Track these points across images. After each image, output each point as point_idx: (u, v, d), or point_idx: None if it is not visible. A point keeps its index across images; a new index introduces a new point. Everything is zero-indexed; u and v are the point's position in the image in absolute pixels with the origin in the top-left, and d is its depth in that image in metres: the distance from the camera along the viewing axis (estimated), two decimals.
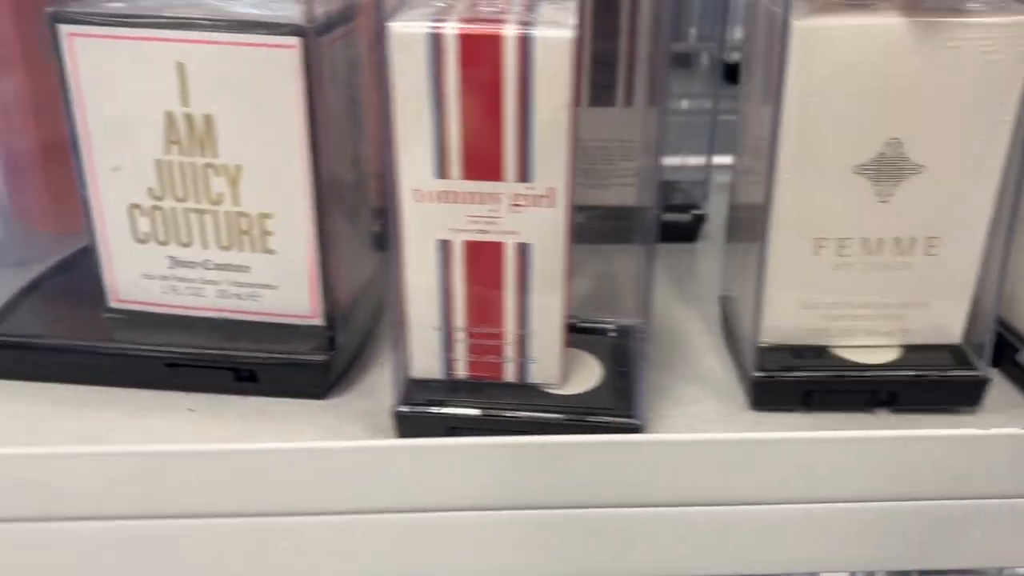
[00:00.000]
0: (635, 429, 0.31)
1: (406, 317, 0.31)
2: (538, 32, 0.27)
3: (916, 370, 0.33)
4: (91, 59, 0.32)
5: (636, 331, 0.35)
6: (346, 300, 0.36)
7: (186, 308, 0.35)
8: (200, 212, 0.33)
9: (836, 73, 0.30)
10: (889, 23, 0.29)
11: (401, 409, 0.32)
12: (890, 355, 0.34)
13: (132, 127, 0.32)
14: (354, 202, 0.37)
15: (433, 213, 0.29)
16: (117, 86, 0.32)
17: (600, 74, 0.46)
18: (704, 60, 0.63)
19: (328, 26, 0.32)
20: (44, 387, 0.35)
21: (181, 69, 0.31)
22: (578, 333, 0.35)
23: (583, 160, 0.48)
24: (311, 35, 0.30)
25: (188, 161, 0.33)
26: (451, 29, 0.27)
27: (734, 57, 0.49)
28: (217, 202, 0.33)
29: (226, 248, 0.34)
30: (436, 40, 0.27)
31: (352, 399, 0.35)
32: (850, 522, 0.33)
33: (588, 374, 0.33)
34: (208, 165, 0.33)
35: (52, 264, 0.41)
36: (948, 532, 0.33)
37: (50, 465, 0.30)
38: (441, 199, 0.29)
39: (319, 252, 0.33)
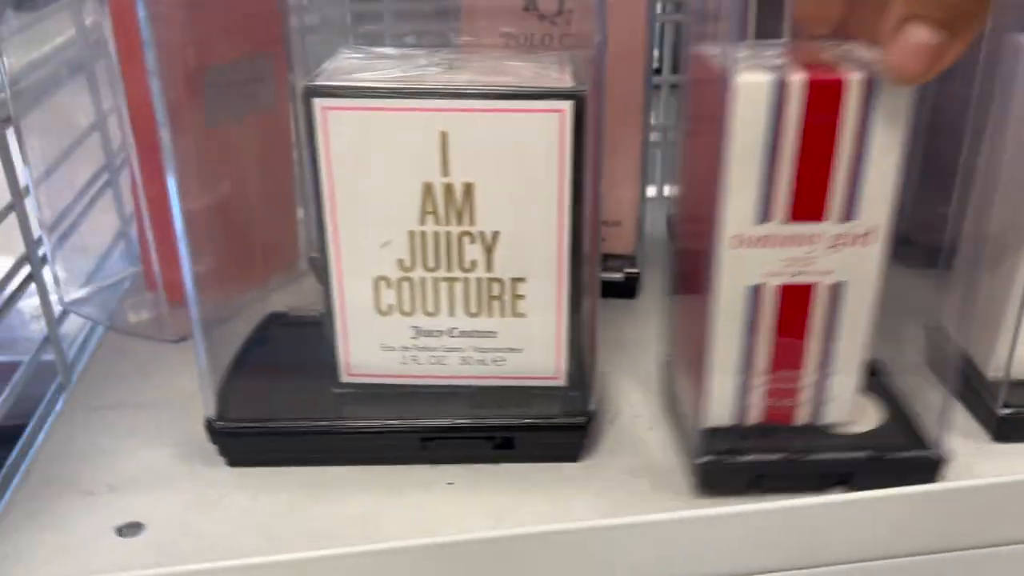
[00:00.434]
0: (935, 463, 0.31)
1: (708, 364, 0.31)
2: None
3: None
4: (346, 132, 0.31)
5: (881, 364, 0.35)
6: (586, 358, 0.35)
7: (426, 378, 0.35)
8: (451, 280, 0.33)
9: None
10: None
11: (704, 460, 0.31)
12: None
13: (386, 200, 0.32)
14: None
15: (750, 259, 0.29)
16: (373, 159, 0.31)
17: None
18: None
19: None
20: (286, 472, 0.34)
21: (444, 139, 0.31)
22: None
23: None
24: (582, 98, 0.30)
25: (443, 231, 0.32)
26: (797, 77, 0.27)
27: None
28: (470, 269, 0.33)
29: (474, 315, 0.33)
30: (781, 88, 0.27)
31: (605, 458, 0.34)
32: None
33: (863, 411, 0.33)
34: (464, 233, 0.32)
35: (245, 340, 0.39)
36: None
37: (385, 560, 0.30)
38: (760, 244, 0.29)
39: (569, 312, 0.33)
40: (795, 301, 0.30)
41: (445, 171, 0.31)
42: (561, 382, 0.34)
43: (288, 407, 0.35)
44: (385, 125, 0.31)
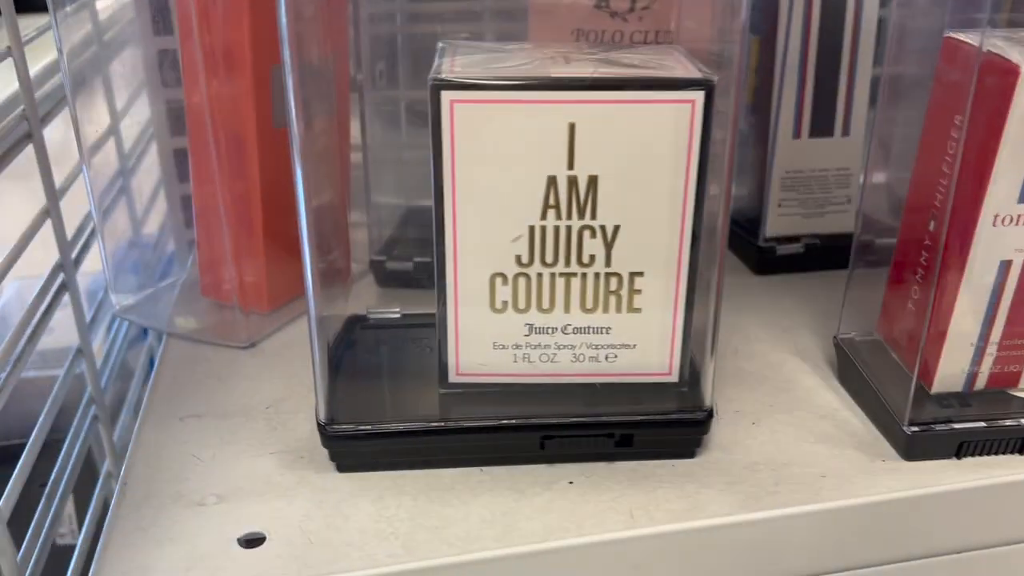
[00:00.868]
0: None
1: (948, 335, 0.33)
2: None
3: None
4: (473, 126, 0.30)
5: None
6: (701, 354, 0.35)
7: (535, 376, 0.34)
8: (568, 276, 0.32)
9: None
10: None
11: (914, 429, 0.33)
12: None
13: (508, 194, 0.31)
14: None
15: (1007, 236, 0.31)
16: (498, 153, 0.31)
17: (820, 106, 0.47)
18: None
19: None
20: (401, 476, 0.33)
21: (571, 131, 0.30)
22: None
23: (802, 190, 0.49)
24: (712, 87, 0.30)
25: (564, 225, 0.31)
26: None
27: None
28: (588, 264, 0.32)
29: (589, 311, 0.33)
30: None
31: (717, 453, 0.34)
32: None
33: None
34: (585, 227, 0.31)
35: (333, 343, 0.39)
36: None
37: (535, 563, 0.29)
38: (1018, 222, 0.31)
39: (685, 307, 0.33)
40: None
41: (571, 164, 0.31)
42: (673, 378, 0.34)
43: (398, 409, 0.34)
44: (513, 118, 0.30)
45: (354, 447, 0.33)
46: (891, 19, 0.37)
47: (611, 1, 0.41)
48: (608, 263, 0.32)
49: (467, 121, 0.30)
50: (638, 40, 0.42)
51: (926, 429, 0.33)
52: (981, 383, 0.34)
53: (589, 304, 0.33)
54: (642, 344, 0.33)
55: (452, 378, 0.34)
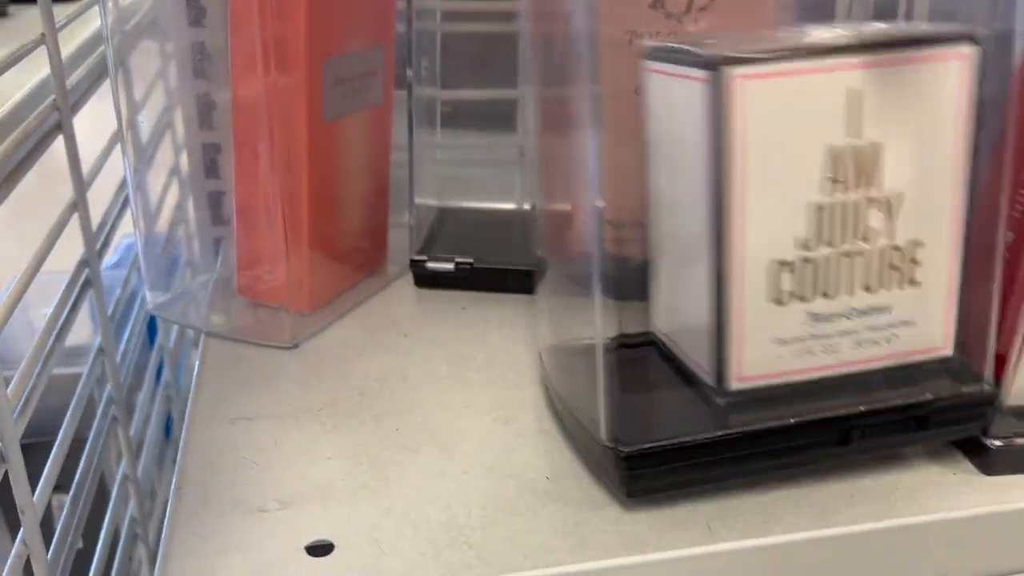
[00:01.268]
0: None
1: None
2: None
3: None
4: (759, 102, 0.28)
5: None
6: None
7: (816, 370, 0.31)
8: (850, 255, 0.30)
9: None
10: None
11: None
12: None
13: (791, 172, 0.29)
14: None
15: None
16: (782, 129, 0.29)
17: None
18: None
19: None
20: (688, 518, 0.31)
21: (856, 98, 0.29)
22: None
23: None
24: (985, 43, 0.29)
25: (846, 199, 0.30)
26: None
27: None
28: (870, 239, 0.30)
29: (870, 290, 0.31)
30: None
31: None
32: None
33: None
34: (869, 199, 0.30)
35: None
36: None
37: None
38: None
39: (961, 275, 0.32)
40: None
41: (855, 132, 0.29)
42: (948, 352, 0.32)
43: (679, 425, 0.31)
44: (798, 90, 0.29)
45: (643, 469, 0.30)
46: None
47: (667, 2, 0.41)
48: (891, 236, 0.30)
49: (753, 98, 0.28)
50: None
51: (1007, 444, 0.32)
52: None
53: (871, 283, 0.31)
54: (921, 320, 0.32)
55: (732, 385, 0.31)
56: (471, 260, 0.46)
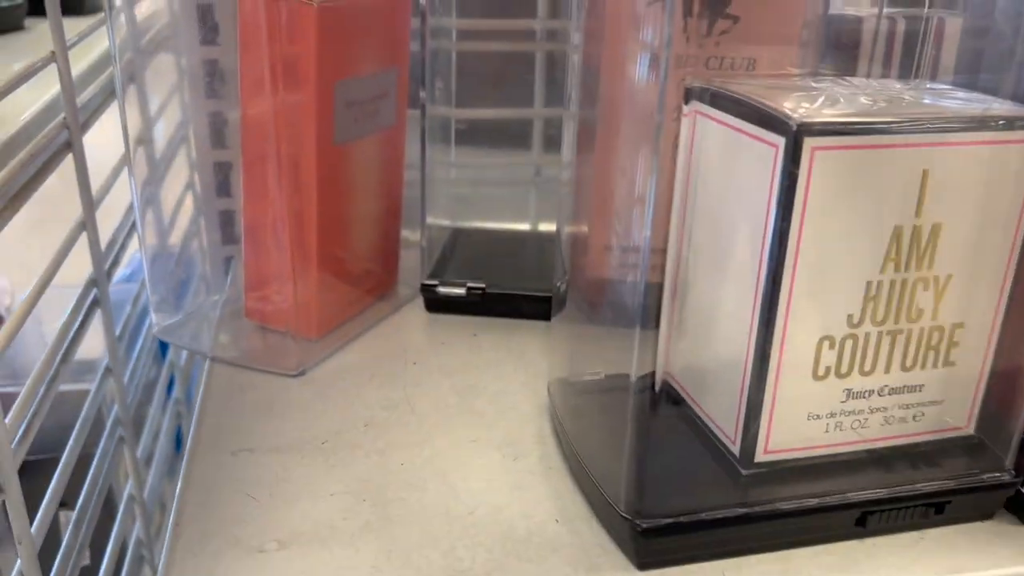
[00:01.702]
0: None
1: None
2: None
3: None
4: (831, 174, 0.27)
5: None
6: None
7: (844, 445, 0.31)
8: (894, 333, 0.30)
9: None
10: None
11: None
12: None
13: (851, 248, 0.28)
14: None
15: None
16: (848, 203, 0.28)
17: None
18: None
19: None
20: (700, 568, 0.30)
21: (924, 177, 0.28)
22: None
23: None
24: None
25: (900, 278, 0.29)
26: None
27: None
28: (916, 319, 0.29)
29: (907, 369, 0.30)
30: None
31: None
32: None
33: None
34: (919, 280, 0.29)
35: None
36: None
37: None
38: None
39: (994, 356, 0.31)
40: None
41: (918, 212, 0.28)
42: (970, 431, 0.32)
43: (698, 496, 0.30)
44: (871, 165, 0.27)
45: (660, 542, 0.29)
46: None
47: (687, 24, 0.40)
48: (935, 316, 0.30)
49: (826, 170, 0.27)
50: (714, 67, 0.41)
51: None
52: None
53: (909, 362, 0.30)
54: (949, 399, 0.31)
55: (759, 457, 0.30)
56: (483, 285, 0.45)
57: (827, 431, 0.30)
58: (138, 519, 0.48)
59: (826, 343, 0.29)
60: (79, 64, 0.42)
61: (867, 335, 0.29)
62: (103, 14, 0.41)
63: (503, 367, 0.41)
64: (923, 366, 0.30)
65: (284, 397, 0.39)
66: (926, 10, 0.40)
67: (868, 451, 0.31)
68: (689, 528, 0.29)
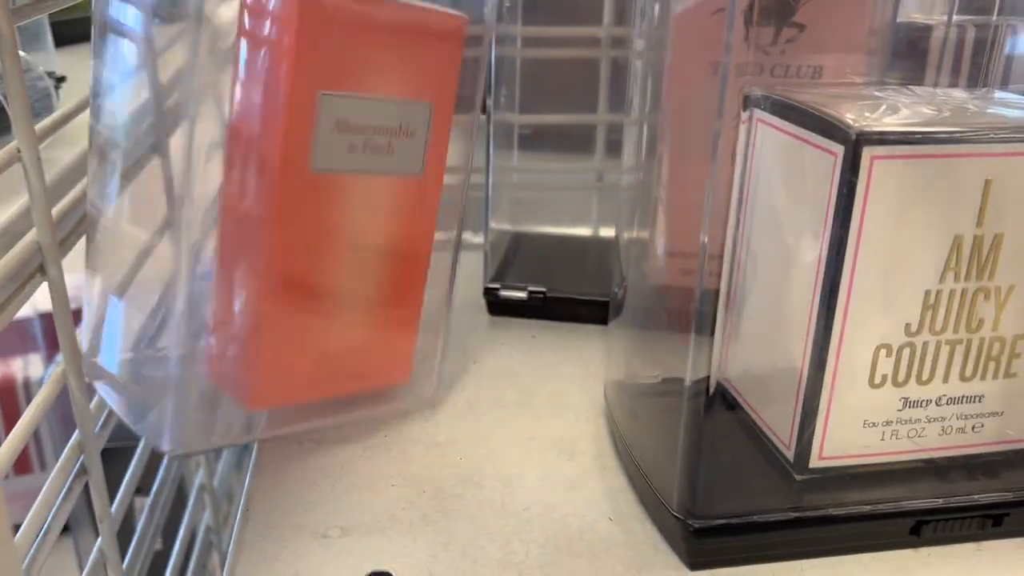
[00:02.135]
0: None
1: None
2: None
3: None
4: (889, 183, 0.27)
5: None
6: None
7: (900, 454, 0.31)
8: (953, 343, 0.29)
9: None
10: None
11: None
12: None
13: (911, 257, 0.29)
14: None
15: None
16: (908, 213, 0.28)
17: None
18: None
19: None
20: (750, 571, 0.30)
21: (986, 187, 0.28)
22: None
23: None
24: None
25: (960, 288, 0.29)
26: None
27: None
28: (976, 330, 0.29)
29: (967, 379, 0.30)
30: None
31: None
32: None
33: None
34: (980, 290, 0.29)
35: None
36: None
37: None
38: None
39: None
40: None
41: (980, 222, 0.28)
42: None
43: (750, 499, 0.31)
44: (931, 174, 0.28)
45: (711, 542, 0.30)
46: None
47: (753, 33, 0.40)
48: (996, 327, 0.30)
49: (885, 179, 0.27)
50: (779, 75, 0.41)
51: None
52: None
53: (968, 372, 0.30)
54: (1009, 411, 0.31)
55: (814, 463, 0.30)
56: (544, 289, 0.46)
57: (883, 439, 0.30)
58: (208, 507, 0.50)
59: (883, 351, 0.29)
60: None
61: (925, 344, 0.29)
62: None
63: (561, 368, 0.42)
64: (983, 377, 0.30)
65: None
66: (995, 17, 0.39)
67: (925, 460, 0.31)
68: (740, 530, 0.29)
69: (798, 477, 0.30)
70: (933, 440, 0.31)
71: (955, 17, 0.42)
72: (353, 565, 0.30)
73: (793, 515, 0.30)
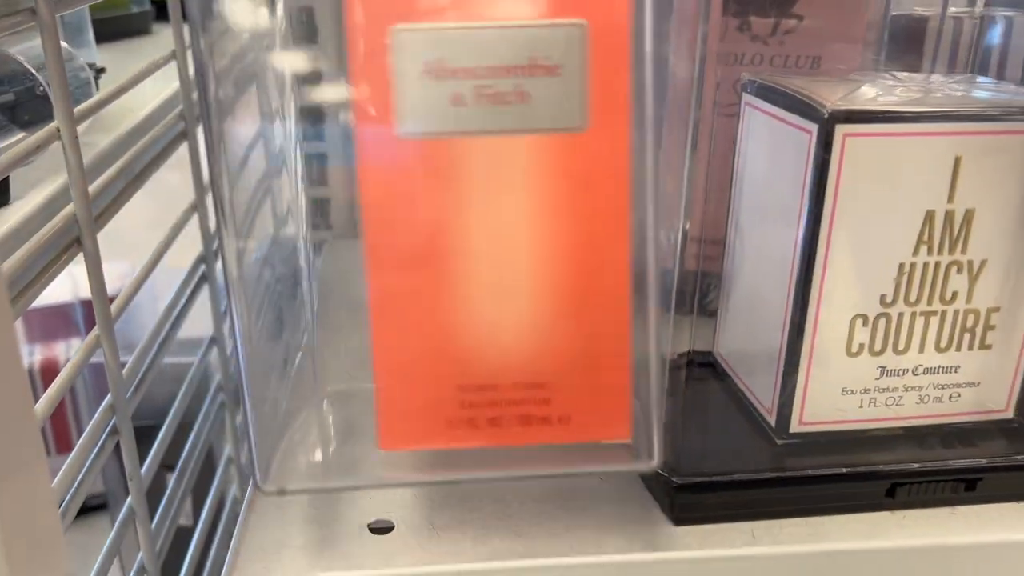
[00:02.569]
0: None
1: None
2: None
3: None
4: (862, 160, 0.29)
5: None
6: None
7: (877, 421, 0.32)
8: (928, 315, 0.31)
9: None
10: None
11: None
12: None
13: (883, 231, 0.30)
14: None
15: None
16: (881, 188, 0.29)
17: None
18: None
19: None
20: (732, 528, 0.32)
21: (957, 164, 0.29)
22: None
23: None
24: None
25: (933, 261, 0.30)
26: None
27: None
28: (950, 301, 0.31)
29: (942, 350, 0.31)
30: None
31: None
32: None
33: None
34: (953, 263, 0.30)
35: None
36: None
37: None
38: None
39: None
40: None
41: (951, 198, 0.30)
42: (1009, 414, 0.33)
43: (734, 459, 0.32)
44: (901, 152, 0.29)
45: (694, 498, 0.31)
46: None
47: (753, 24, 0.42)
48: (969, 299, 0.31)
49: (859, 155, 0.29)
50: (778, 65, 0.42)
51: None
52: None
53: (944, 343, 0.31)
54: (986, 381, 0.32)
55: (794, 427, 0.32)
56: None
57: (861, 406, 0.32)
58: (235, 479, 0.53)
59: (859, 321, 0.30)
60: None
61: (900, 315, 0.31)
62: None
63: None
64: (958, 348, 0.31)
65: None
66: (978, 8, 0.40)
67: (904, 428, 0.32)
68: (721, 487, 0.31)
69: (779, 441, 0.32)
70: (911, 408, 0.32)
71: (951, 9, 0.43)
72: (358, 517, 0.32)
73: (773, 475, 0.31)
